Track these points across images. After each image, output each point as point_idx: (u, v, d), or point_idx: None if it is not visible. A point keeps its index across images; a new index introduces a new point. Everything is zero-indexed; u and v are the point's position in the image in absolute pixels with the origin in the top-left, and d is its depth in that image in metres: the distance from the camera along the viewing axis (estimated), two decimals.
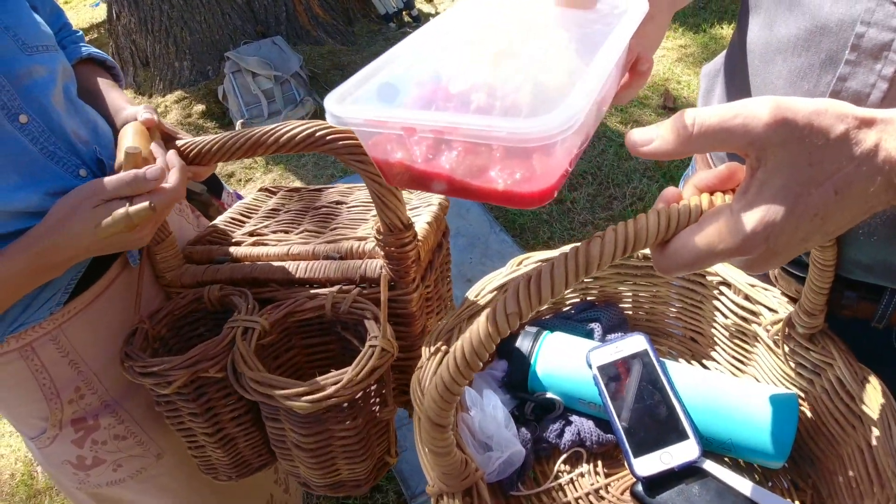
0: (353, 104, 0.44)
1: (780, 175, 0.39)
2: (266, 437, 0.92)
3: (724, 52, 0.78)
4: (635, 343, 0.71)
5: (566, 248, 0.40)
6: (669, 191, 0.45)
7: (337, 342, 0.94)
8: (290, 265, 0.92)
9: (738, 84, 0.69)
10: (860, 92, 0.52)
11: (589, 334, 0.80)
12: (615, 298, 0.86)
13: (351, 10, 4.46)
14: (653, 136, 0.41)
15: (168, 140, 0.89)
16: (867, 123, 0.39)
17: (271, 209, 1.12)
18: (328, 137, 0.77)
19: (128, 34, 4.01)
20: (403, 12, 4.40)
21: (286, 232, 1.02)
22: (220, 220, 1.09)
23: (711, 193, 0.44)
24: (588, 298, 0.87)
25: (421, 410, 0.48)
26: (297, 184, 2.76)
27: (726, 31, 3.66)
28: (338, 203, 1.08)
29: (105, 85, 0.96)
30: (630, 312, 0.86)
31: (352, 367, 0.77)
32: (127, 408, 0.94)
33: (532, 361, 0.75)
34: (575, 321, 0.83)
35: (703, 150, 0.40)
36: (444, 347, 0.66)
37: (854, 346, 0.65)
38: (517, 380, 0.76)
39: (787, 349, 0.69)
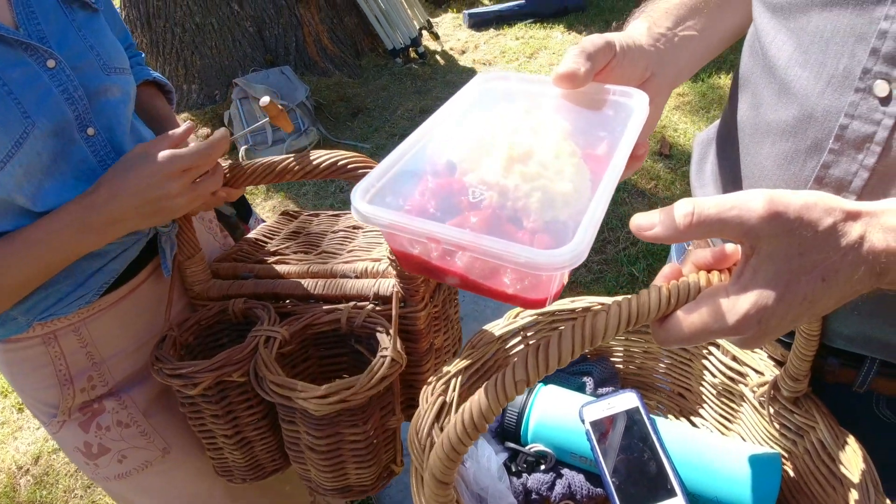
0: (378, 206, 0.45)
1: (773, 263, 0.42)
2: (280, 442, 0.98)
3: (717, 121, 0.81)
4: (627, 400, 0.74)
5: (571, 322, 0.43)
6: (669, 268, 0.49)
7: (350, 355, 1.00)
8: (310, 282, 0.99)
9: (729, 157, 0.72)
10: (843, 179, 0.55)
11: (581, 387, 0.83)
12: (607, 353, 0.89)
13: (359, 43, 4.55)
14: (655, 222, 0.45)
15: None
16: (853, 217, 0.42)
17: (292, 231, 1.19)
18: (349, 166, 0.87)
19: None
20: (410, 49, 4.49)
21: (306, 252, 1.09)
22: (244, 241, 1.17)
23: (709, 271, 0.47)
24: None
25: (423, 466, 0.50)
26: None
27: (724, 80, 3.74)
28: (354, 228, 1.15)
29: (166, 111, 1.06)
30: (621, 366, 0.89)
31: (364, 374, 0.82)
32: (131, 394, 0.98)
33: (526, 413, 0.78)
34: (568, 374, 0.85)
35: (702, 237, 0.44)
36: (441, 398, 0.69)
37: (836, 409, 0.68)
38: (510, 430, 0.78)
39: (772, 410, 0.72)
